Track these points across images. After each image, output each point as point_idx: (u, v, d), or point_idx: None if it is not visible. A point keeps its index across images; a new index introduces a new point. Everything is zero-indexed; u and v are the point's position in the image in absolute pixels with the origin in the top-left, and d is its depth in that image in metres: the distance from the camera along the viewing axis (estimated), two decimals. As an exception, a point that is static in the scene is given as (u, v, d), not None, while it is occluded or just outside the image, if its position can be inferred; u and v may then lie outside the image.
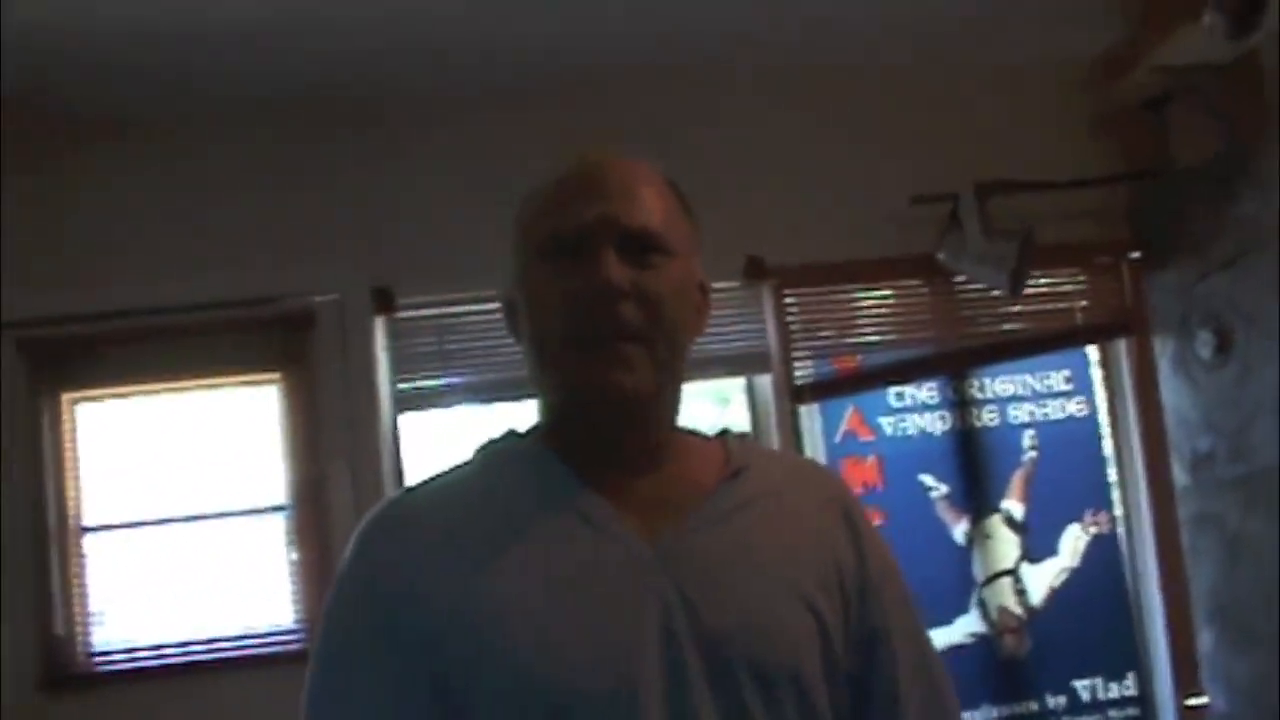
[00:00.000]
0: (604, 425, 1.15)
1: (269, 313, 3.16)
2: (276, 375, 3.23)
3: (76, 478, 3.18)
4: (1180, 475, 3.31)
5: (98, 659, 3.14)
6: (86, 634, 3.14)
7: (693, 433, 1.25)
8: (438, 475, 1.21)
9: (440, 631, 1.06)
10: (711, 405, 3.39)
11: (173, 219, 3.20)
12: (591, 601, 1.07)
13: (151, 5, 2.65)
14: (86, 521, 3.17)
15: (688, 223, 1.20)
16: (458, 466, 1.21)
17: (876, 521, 3.38)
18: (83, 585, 3.14)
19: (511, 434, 1.22)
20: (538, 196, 1.17)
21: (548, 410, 1.19)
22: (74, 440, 3.19)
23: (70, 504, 3.16)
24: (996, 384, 3.44)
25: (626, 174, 1.16)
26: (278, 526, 3.18)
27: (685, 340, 1.17)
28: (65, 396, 3.19)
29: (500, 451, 1.20)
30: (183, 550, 3.16)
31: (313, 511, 3.15)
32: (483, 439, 1.22)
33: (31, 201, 3.17)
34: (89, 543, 3.16)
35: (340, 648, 1.10)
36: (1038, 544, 3.41)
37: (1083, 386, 3.48)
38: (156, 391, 3.22)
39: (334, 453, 3.17)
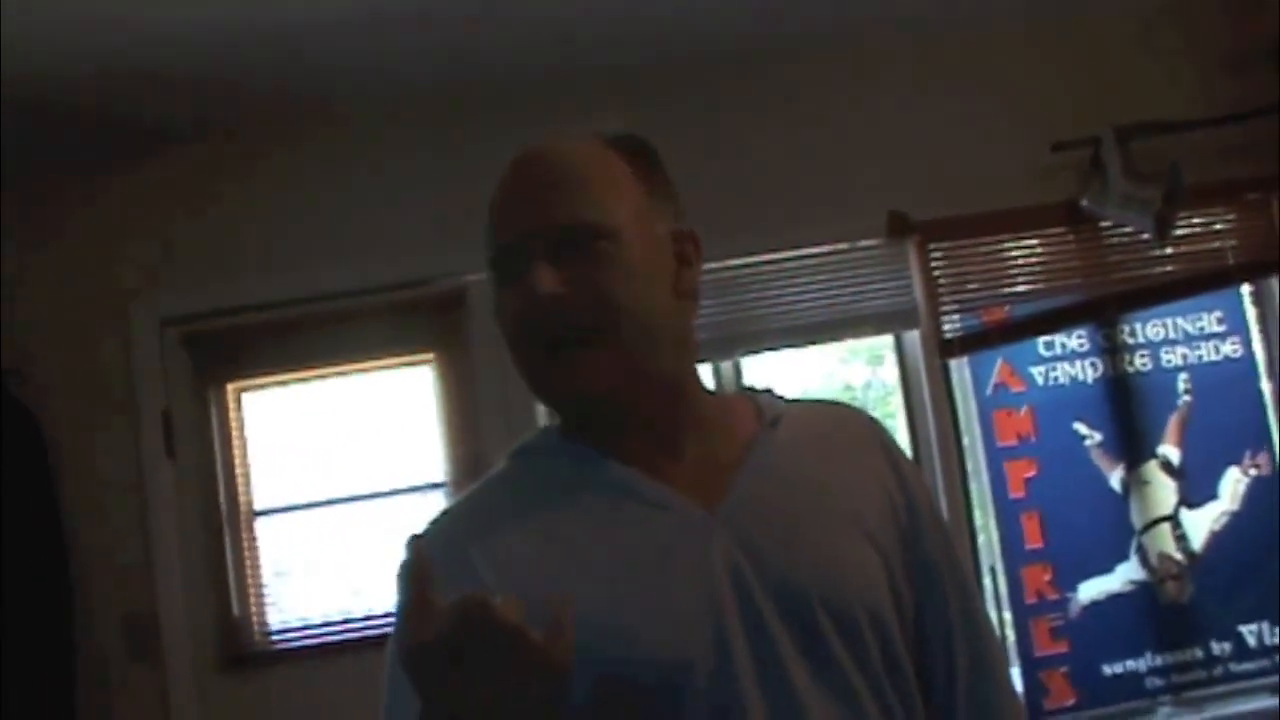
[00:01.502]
0: (598, 423, 1.13)
1: (421, 295, 3.23)
2: (430, 355, 3.29)
3: (246, 464, 3.28)
4: (1342, 412, 3.24)
5: (274, 637, 3.24)
6: (262, 614, 3.25)
7: (715, 394, 1.23)
8: (471, 491, 1.20)
9: None
10: (864, 365, 3.37)
11: (323, 209, 3.27)
12: (658, 575, 1.06)
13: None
14: (257, 506, 3.27)
15: (639, 186, 1.15)
16: (491, 476, 1.20)
17: (1030, 472, 3.34)
18: (256, 567, 3.25)
19: (544, 432, 1.20)
20: (489, 202, 1.15)
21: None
22: (241, 428, 3.29)
23: (241, 490, 3.27)
24: (1148, 328, 3.37)
25: (551, 167, 1.13)
26: (439, 503, 3.25)
27: (661, 314, 1.12)
28: (230, 387, 3.30)
29: (532, 451, 1.20)
30: (349, 528, 3.25)
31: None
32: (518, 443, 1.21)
33: (189, 199, 3.28)
34: (260, 526, 3.27)
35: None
36: (1196, 488, 3.35)
37: (1237, 327, 3.41)
38: (316, 377, 3.31)
39: (490, 428, 3.22)
